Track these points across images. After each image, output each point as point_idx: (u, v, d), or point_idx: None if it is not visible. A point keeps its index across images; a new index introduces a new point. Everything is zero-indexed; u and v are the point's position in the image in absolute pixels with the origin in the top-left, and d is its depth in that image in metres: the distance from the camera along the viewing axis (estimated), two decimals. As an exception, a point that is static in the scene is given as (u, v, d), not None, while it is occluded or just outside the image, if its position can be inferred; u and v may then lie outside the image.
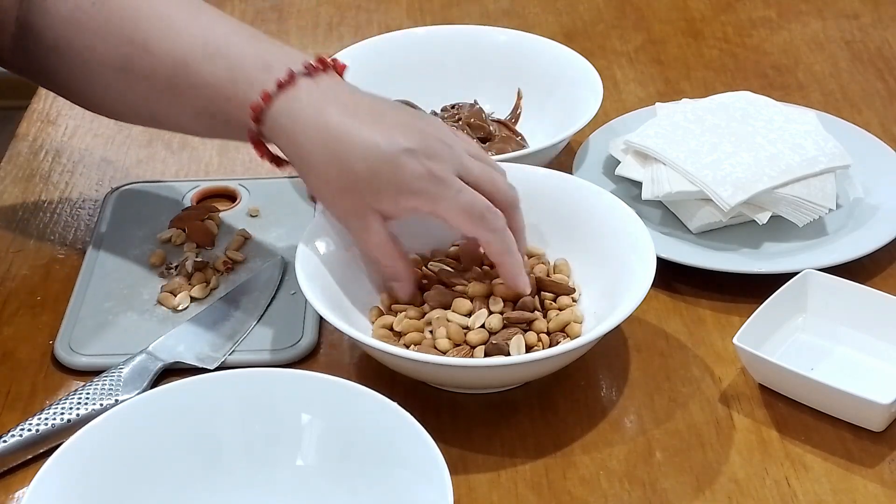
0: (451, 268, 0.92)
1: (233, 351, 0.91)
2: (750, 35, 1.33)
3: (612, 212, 0.93)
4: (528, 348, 0.86)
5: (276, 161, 0.90)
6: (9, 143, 1.17)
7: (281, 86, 0.85)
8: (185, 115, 0.92)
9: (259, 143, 0.88)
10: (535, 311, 0.89)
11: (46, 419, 0.84)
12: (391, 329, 0.89)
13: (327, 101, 0.85)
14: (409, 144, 0.84)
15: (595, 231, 0.93)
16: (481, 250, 0.92)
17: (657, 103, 1.12)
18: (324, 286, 0.87)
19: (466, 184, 0.85)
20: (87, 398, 0.85)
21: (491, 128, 1.09)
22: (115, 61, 0.91)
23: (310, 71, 0.86)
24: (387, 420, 0.76)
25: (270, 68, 0.86)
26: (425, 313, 0.89)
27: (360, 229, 0.87)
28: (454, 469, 0.74)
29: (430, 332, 0.88)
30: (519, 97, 1.15)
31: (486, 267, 0.92)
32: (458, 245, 0.93)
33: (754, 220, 1.00)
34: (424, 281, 0.91)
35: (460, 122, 1.08)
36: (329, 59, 0.88)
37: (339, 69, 0.89)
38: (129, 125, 1.18)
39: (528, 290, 0.88)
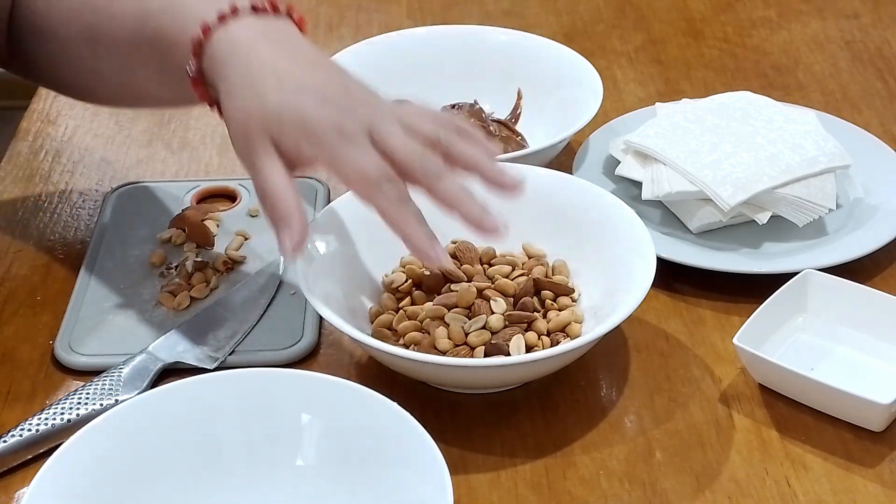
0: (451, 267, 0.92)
1: (233, 351, 0.91)
2: (750, 35, 1.33)
3: (612, 212, 0.93)
4: (528, 348, 0.86)
5: (215, 105, 0.86)
6: (9, 143, 1.17)
7: (222, 18, 0.83)
8: (151, 79, 0.90)
9: (198, 82, 0.85)
10: (535, 312, 0.89)
11: (46, 419, 0.84)
12: (391, 329, 0.89)
13: (266, 38, 0.83)
14: (327, 92, 0.81)
15: (595, 231, 0.93)
16: (479, 248, 0.92)
17: (657, 103, 1.12)
18: (324, 286, 0.87)
19: (379, 149, 0.80)
20: (87, 398, 0.85)
21: (491, 128, 1.09)
22: (84, 32, 0.91)
23: (256, 9, 0.84)
24: (387, 420, 0.76)
25: (216, 4, 0.84)
26: (425, 313, 0.89)
27: (261, 164, 0.81)
28: (454, 469, 0.74)
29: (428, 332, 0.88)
30: (519, 97, 1.15)
31: (485, 265, 0.93)
32: (455, 243, 0.93)
33: (754, 220, 1.00)
34: (431, 272, 0.91)
35: (460, 122, 1.08)
36: (283, 6, 0.86)
37: (297, 21, 0.86)
38: (129, 126, 1.18)
39: (441, 262, 0.81)
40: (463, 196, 0.81)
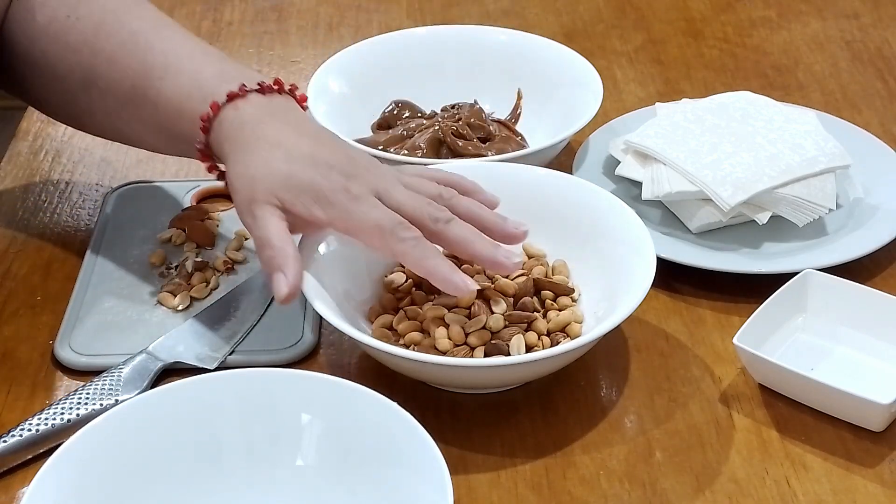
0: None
1: (233, 351, 0.91)
2: (750, 35, 1.33)
3: (612, 212, 0.93)
4: (528, 348, 0.86)
5: (222, 175, 0.90)
6: (9, 143, 1.17)
7: (231, 97, 0.87)
8: (145, 131, 0.94)
9: (206, 155, 0.89)
10: (535, 312, 0.89)
11: (46, 419, 0.84)
12: (391, 329, 0.89)
13: (272, 116, 0.87)
14: (332, 161, 0.85)
15: (595, 231, 0.93)
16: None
17: (657, 103, 1.12)
18: (324, 286, 0.87)
19: (387, 206, 0.85)
20: (87, 398, 0.85)
21: (491, 128, 1.09)
22: (82, 73, 0.93)
23: (263, 89, 0.88)
24: (387, 420, 0.76)
25: (224, 83, 0.88)
26: (425, 313, 0.89)
27: (263, 216, 0.84)
28: (454, 469, 0.74)
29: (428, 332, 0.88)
30: (519, 97, 1.15)
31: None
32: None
33: (754, 220, 1.00)
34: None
35: (460, 122, 1.08)
36: (288, 85, 0.90)
37: (299, 99, 0.91)
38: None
39: (469, 289, 0.85)
40: (474, 235, 0.86)
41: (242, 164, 0.86)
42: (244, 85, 0.88)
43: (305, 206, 0.84)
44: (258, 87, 0.88)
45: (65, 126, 1.18)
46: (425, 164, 0.98)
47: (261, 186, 0.84)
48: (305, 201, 0.84)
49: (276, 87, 0.89)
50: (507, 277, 0.91)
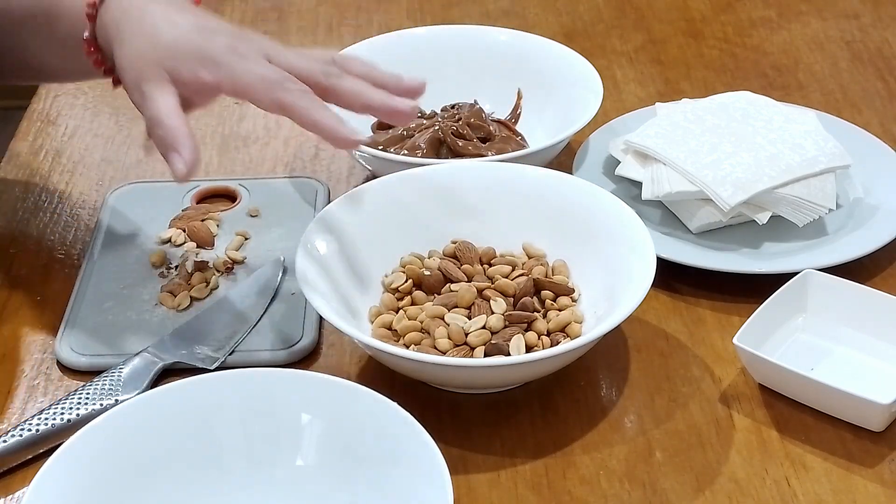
0: (449, 267, 0.91)
1: (233, 351, 0.91)
2: (750, 35, 1.33)
3: (612, 212, 0.93)
4: (528, 348, 0.86)
5: (108, 70, 0.90)
6: (9, 143, 1.17)
7: None
8: (42, 49, 0.95)
9: (92, 46, 0.89)
10: (535, 312, 0.89)
11: (46, 419, 0.84)
12: (391, 329, 0.89)
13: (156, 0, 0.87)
14: (219, 28, 0.86)
15: (595, 231, 0.93)
16: (479, 248, 0.93)
17: (657, 103, 1.12)
18: (324, 286, 0.87)
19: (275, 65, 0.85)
20: (87, 398, 0.85)
21: (491, 128, 1.09)
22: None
23: None
24: (387, 420, 0.76)
25: None
26: (425, 313, 0.89)
27: (151, 91, 0.84)
28: (454, 469, 0.74)
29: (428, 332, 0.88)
30: (519, 97, 1.15)
31: (485, 265, 0.93)
32: (455, 242, 0.93)
33: (754, 220, 1.00)
34: (431, 272, 0.91)
35: (460, 122, 1.08)
36: None
37: None
38: (129, 126, 1.18)
39: (354, 138, 0.84)
40: (367, 88, 0.85)
41: (129, 44, 0.85)
42: None
43: (192, 70, 0.83)
44: None
45: (65, 126, 1.18)
46: (425, 165, 0.98)
47: (147, 61, 0.84)
48: (192, 66, 0.83)
49: None
50: (506, 277, 0.91)
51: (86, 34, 0.89)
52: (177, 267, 0.98)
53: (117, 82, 0.90)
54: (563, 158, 1.08)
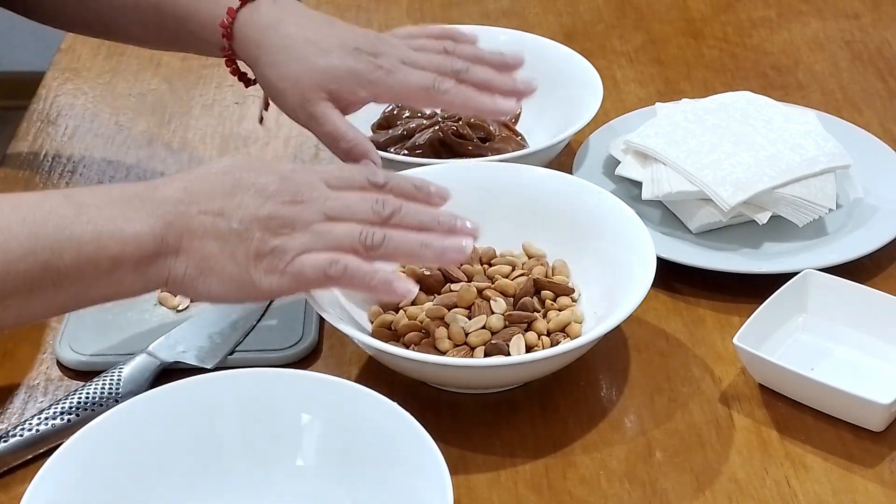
0: (450, 267, 0.91)
1: (233, 351, 0.91)
2: (750, 35, 1.33)
3: (612, 212, 0.93)
4: (528, 348, 0.86)
5: (244, 79, 1.01)
6: (9, 143, 1.17)
7: (244, 1, 0.96)
8: (142, 29, 1.02)
9: (230, 60, 0.99)
10: (535, 312, 0.89)
11: (46, 419, 0.84)
12: (391, 329, 0.89)
13: (286, 13, 0.96)
14: (358, 43, 0.95)
15: (595, 231, 0.93)
16: (479, 248, 0.93)
17: (657, 103, 1.12)
18: (324, 286, 0.87)
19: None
20: (87, 398, 0.85)
21: (491, 128, 1.09)
22: None
23: None
24: (387, 420, 0.76)
25: None
26: (425, 313, 0.89)
27: (322, 113, 0.94)
28: (454, 469, 0.74)
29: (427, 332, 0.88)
30: (519, 97, 1.15)
31: (485, 265, 0.93)
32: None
33: (754, 220, 1.00)
34: (431, 272, 0.91)
35: (460, 122, 1.08)
36: None
37: None
38: (129, 126, 1.18)
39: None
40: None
41: (282, 65, 0.94)
42: None
43: (352, 90, 0.94)
44: None
45: (65, 126, 1.18)
46: (425, 165, 0.98)
47: (307, 85, 0.94)
48: (351, 87, 0.94)
49: None
50: (506, 277, 0.91)
51: (224, 50, 0.98)
52: (177, 267, 0.98)
53: (246, 83, 1.01)
54: (563, 158, 1.08)
